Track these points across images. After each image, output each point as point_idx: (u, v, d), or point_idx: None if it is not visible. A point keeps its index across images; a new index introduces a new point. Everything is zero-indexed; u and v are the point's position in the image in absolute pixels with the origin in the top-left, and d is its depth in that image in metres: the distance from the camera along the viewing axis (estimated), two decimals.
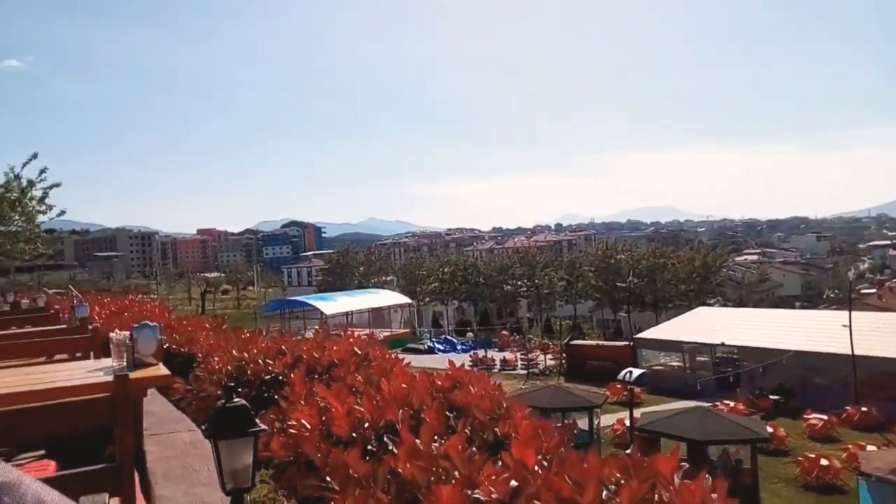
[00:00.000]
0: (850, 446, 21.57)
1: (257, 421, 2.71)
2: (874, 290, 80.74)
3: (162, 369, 3.50)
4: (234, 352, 5.29)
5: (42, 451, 3.50)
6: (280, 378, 4.52)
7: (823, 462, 19.99)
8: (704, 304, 58.16)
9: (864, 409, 26.15)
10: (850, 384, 28.40)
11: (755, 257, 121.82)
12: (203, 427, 2.86)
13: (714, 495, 2.14)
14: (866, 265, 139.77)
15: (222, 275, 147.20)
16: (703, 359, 35.53)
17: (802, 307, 66.07)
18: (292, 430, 3.16)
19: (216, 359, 5.37)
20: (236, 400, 2.68)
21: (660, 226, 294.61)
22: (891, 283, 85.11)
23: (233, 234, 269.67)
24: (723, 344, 34.69)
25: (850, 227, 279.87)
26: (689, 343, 35.45)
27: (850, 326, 28.97)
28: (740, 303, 70.07)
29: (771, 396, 29.03)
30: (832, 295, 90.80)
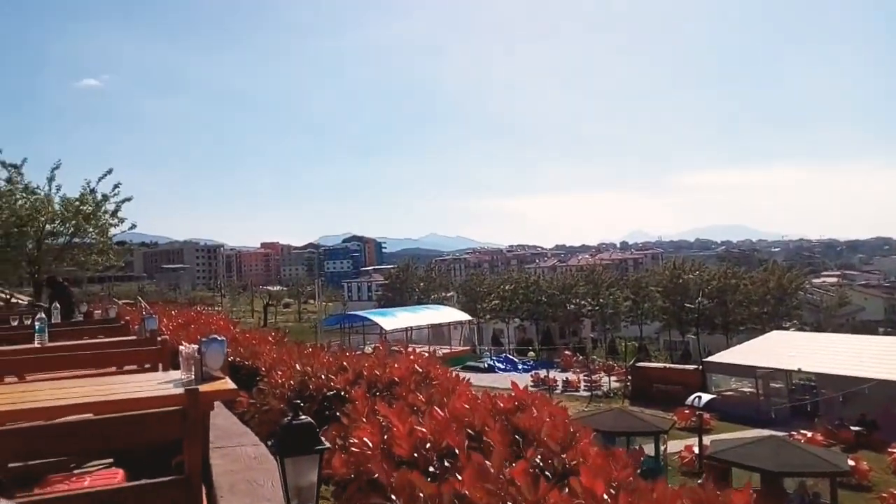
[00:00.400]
0: None
1: (323, 439, 2.73)
2: None
3: (229, 383, 3.55)
4: (297, 366, 5.34)
5: (111, 460, 3.58)
6: (342, 394, 4.55)
7: None
8: (779, 327, 56.83)
9: None
10: None
11: (834, 279, 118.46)
12: (268, 443, 2.90)
13: None
14: None
15: (284, 288, 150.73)
16: (777, 385, 34.62)
17: (886, 333, 63.36)
18: (354, 448, 3.17)
19: (279, 373, 5.42)
20: (303, 417, 2.70)
21: (731, 245, 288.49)
22: None
23: (295, 247, 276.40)
24: (800, 370, 33.70)
25: None
26: (763, 368, 34.39)
27: None
28: (818, 327, 67.89)
29: (852, 427, 27.94)
30: None
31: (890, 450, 24.92)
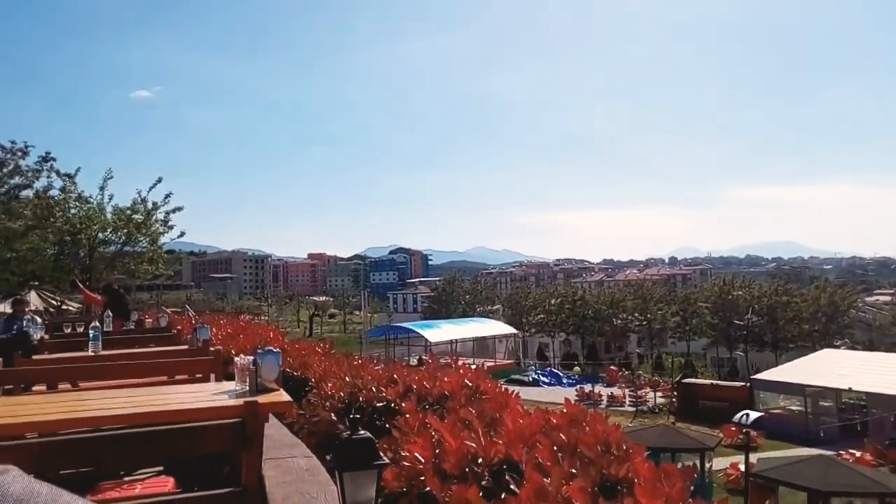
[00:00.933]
0: None
1: (381, 454, 2.75)
2: None
3: (284, 395, 3.56)
4: (347, 378, 5.33)
5: (160, 468, 3.60)
6: (392, 406, 4.54)
7: None
8: (830, 345, 56.00)
9: None
10: None
11: (888, 298, 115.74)
12: (327, 457, 2.91)
13: None
14: None
15: (330, 299, 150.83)
16: (826, 404, 34.08)
17: None
18: (406, 462, 3.14)
19: (329, 384, 5.40)
20: (362, 432, 2.72)
21: (781, 262, 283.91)
22: None
23: (341, 259, 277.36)
24: (850, 389, 33.20)
25: None
26: (813, 387, 33.81)
27: None
28: (870, 346, 66.35)
29: None
30: None
31: None
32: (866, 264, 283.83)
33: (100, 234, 22.19)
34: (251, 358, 3.65)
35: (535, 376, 49.39)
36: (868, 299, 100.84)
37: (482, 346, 56.08)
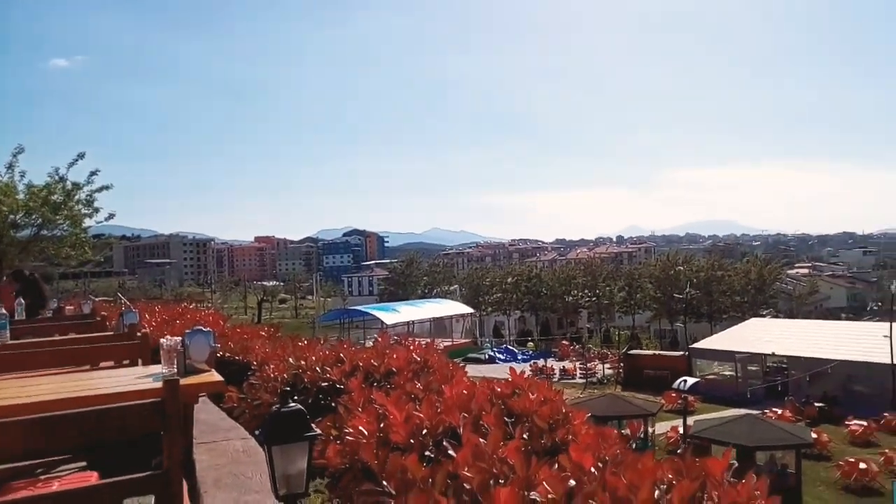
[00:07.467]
0: (887, 451, 21.90)
1: (313, 426, 2.54)
2: None
3: (215, 375, 3.26)
4: (290, 360, 4.99)
5: (83, 463, 3.13)
6: (337, 386, 4.30)
7: (862, 466, 20.14)
8: (757, 315, 57.24)
9: None
10: (889, 392, 28.82)
11: (806, 271, 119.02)
12: (256, 432, 2.70)
13: (757, 492, 2.12)
14: None
15: (280, 284, 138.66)
16: (754, 368, 35.13)
17: (848, 319, 64.65)
18: (349, 437, 2.99)
19: (272, 367, 5.06)
20: (292, 404, 2.51)
21: (718, 239, 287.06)
22: None
23: (292, 242, 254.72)
24: (773, 354, 34.59)
25: (895, 242, 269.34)
26: (742, 353, 34.88)
27: (892, 337, 29.50)
28: (791, 314, 68.35)
29: (816, 404, 28.80)
30: (876, 307, 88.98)
31: (846, 422, 25.98)
32: (788, 240, 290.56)
33: (10, 217, 17.90)
34: (178, 339, 3.30)
35: (491, 353, 48.84)
36: (790, 272, 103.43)
37: (439, 326, 53.71)
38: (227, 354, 6.48)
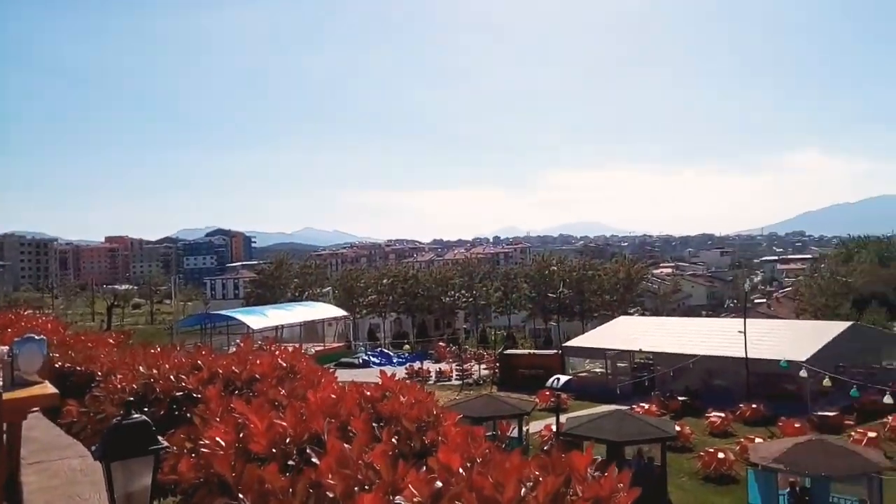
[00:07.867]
0: (742, 440, 23.16)
1: (159, 438, 2.40)
2: (765, 300, 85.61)
3: (48, 388, 3.02)
4: (141, 368, 4.66)
5: None
6: (194, 395, 4.07)
7: (720, 455, 21.41)
8: (626, 313, 59.56)
9: (754, 405, 27.86)
10: (744, 384, 30.26)
11: (669, 270, 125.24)
12: (92, 448, 2.50)
13: (620, 485, 2.17)
14: (759, 278, 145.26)
15: (135, 287, 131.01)
16: (623, 364, 36.21)
17: (707, 316, 68.51)
18: (204, 450, 2.83)
19: (119, 377, 4.70)
20: (135, 416, 2.37)
21: (589, 240, 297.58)
22: (777, 294, 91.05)
23: (148, 242, 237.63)
24: (640, 350, 35.75)
25: (747, 243, 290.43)
26: (611, 350, 36.02)
27: (745, 332, 30.83)
28: (656, 312, 71.86)
29: (679, 398, 30.08)
30: (731, 305, 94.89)
31: (707, 415, 27.37)
32: (654, 241, 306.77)
33: None
34: (5, 348, 3.07)
35: (366, 357, 48.51)
36: (655, 272, 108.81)
37: (311, 330, 52.37)
38: (68, 365, 6.00)
